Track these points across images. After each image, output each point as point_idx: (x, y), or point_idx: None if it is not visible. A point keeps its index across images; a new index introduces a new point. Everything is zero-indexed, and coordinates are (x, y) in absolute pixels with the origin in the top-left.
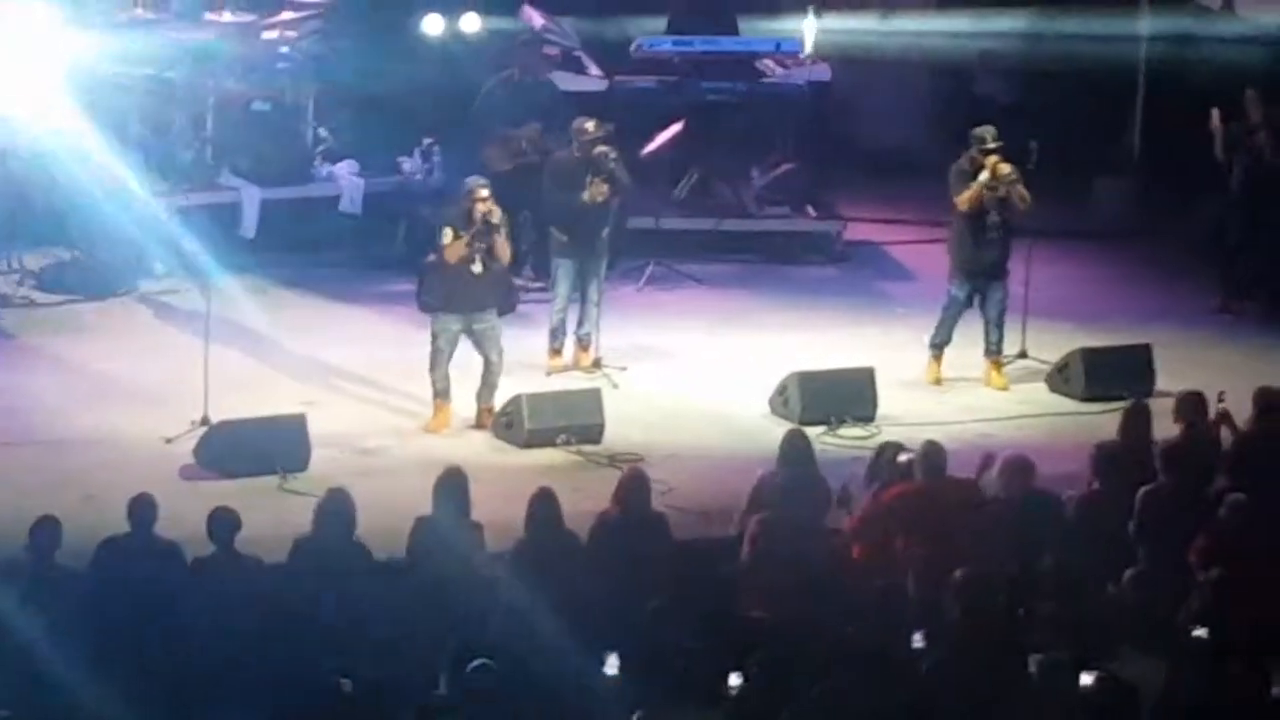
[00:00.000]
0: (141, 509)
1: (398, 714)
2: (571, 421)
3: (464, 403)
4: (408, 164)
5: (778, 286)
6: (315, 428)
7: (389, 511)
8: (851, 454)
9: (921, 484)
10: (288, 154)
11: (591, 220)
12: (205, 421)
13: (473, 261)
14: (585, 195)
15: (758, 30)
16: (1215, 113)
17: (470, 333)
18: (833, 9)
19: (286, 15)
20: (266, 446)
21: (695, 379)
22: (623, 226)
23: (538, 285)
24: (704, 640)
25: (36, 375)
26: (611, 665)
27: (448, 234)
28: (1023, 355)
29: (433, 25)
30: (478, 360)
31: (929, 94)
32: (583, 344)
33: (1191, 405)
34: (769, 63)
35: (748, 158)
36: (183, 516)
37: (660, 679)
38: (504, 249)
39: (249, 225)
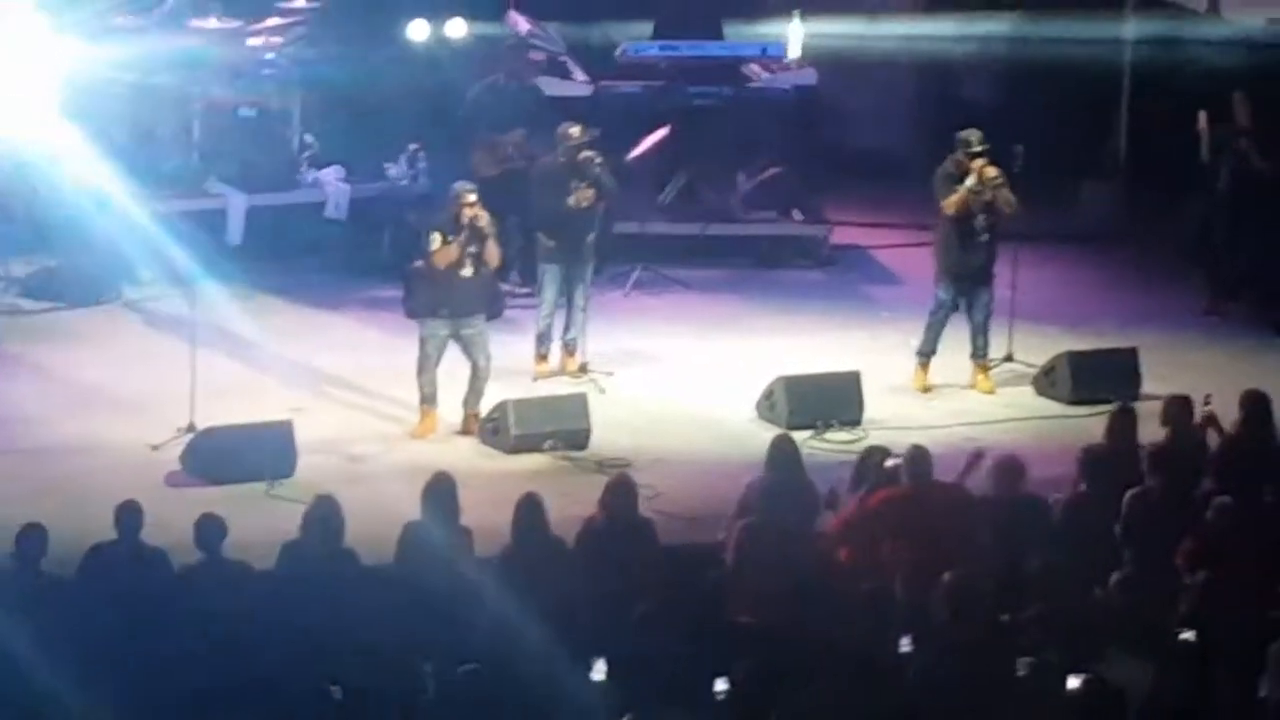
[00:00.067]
0: (128, 516)
1: None
2: (558, 427)
3: (450, 408)
4: (393, 170)
5: (764, 291)
6: (302, 434)
7: (376, 518)
8: (838, 458)
9: (908, 488)
10: (274, 160)
11: (577, 225)
12: (191, 428)
13: (463, 266)
14: (571, 200)
15: (743, 35)
16: (1203, 115)
17: (459, 338)
18: (818, 13)
19: (272, 21)
20: (253, 453)
21: (682, 384)
22: (609, 232)
23: (524, 291)
24: (691, 645)
25: (20, 383)
26: (599, 670)
27: (436, 239)
28: (1009, 359)
29: (418, 31)
30: (464, 366)
31: (915, 98)
32: (569, 349)
33: (1178, 408)
34: (755, 67)
35: (734, 162)
36: (169, 523)
37: (647, 684)
38: (494, 253)
39: (235, 232)
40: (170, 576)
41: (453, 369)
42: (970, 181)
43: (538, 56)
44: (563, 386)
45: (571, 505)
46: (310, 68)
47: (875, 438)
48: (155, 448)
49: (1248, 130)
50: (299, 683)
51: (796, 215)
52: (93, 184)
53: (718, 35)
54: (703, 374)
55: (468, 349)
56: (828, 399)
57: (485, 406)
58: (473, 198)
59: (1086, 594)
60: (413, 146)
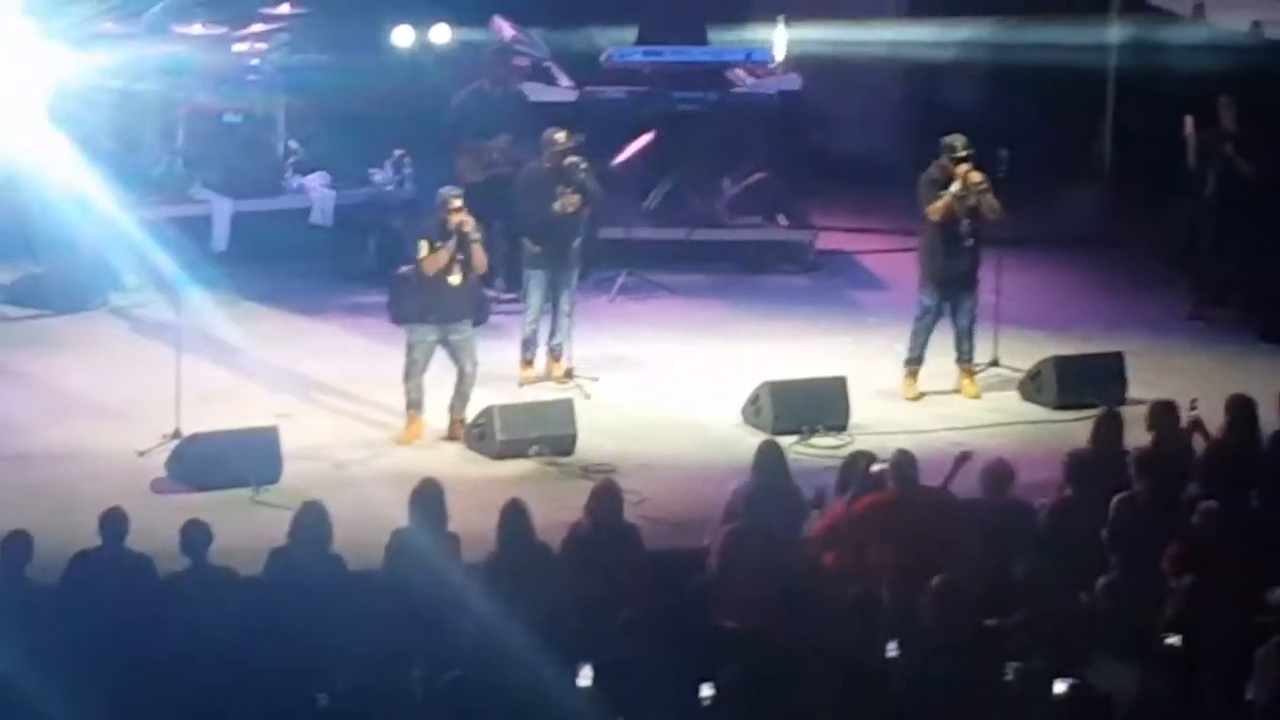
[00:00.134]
0: (113, 522)
1: None
2: (544, 432)
3: (436, 414)
4: (379, 175)
5: (749, 296)
6: (288, 440)
7: (362, 523)
8: (824, 463)
9: (894, 493)
10: (259, 166)
11: (563, 231)
12: (177, 435)
13: (451, 272)
14: (556, 206)
15: (728, 40)
16: (1189, 120)
17: (446, 343)
18: (803, 18)
19: (257, 28)
20: (239, 459)
21: (667, 389)
22: (594, 237)
23: (509, 297)
24: (677, 651)
25: (5, 390)
26: (585, 676)
27: (423, 246)
28: (994, 364)
29: (403, 37)
30: (450, 371)
31: (900, 103)
32: (555, 355)
33: (1163, 413)
34: (739, 72)
35: (719, 167)
36: (155, 530)
37: (633, 690)
38: (481, 259)
39: (220, 238)
40: (156, 583)
41: (439, 374)
42: (955, 187)
43: (522, 62)
44: (548, 392)
45: (557, 511)
46: (295, 74)
47: (861, 443)
48: (141, 454)
49: (1233, 135)
50: (286, 689)
51: (782, 220)
52: (78, 190)
53: (702, 40)
54: (688, 379)
55: (455, 354)
56: (813, 404)
57: (471, 412)
58: (459, 203)
59: (1073, 599)
60: (398, 152)
